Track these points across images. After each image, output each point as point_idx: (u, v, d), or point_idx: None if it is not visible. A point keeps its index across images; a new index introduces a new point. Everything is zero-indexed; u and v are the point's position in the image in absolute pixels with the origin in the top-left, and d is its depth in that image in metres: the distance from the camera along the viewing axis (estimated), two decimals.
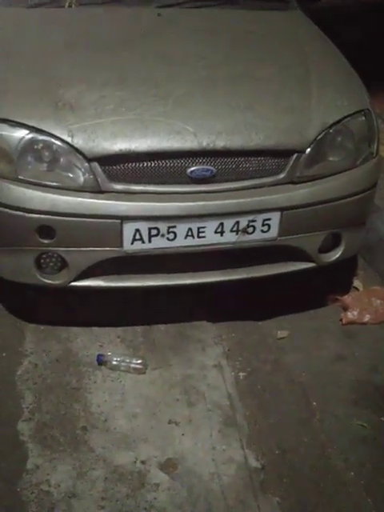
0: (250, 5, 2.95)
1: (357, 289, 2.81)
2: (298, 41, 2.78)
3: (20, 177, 2.14)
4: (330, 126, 2.31)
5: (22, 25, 2.71)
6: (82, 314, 2.53)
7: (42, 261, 2.25)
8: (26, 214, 2.13)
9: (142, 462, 1.96)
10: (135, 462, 1.96)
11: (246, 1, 2.96)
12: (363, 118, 2.40)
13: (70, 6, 2.79)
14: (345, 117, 2.34)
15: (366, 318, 2.61)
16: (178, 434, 2.06)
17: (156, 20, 2.73)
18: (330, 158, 2.35)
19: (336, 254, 2.48)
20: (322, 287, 2.73)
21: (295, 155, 2.26)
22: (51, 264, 2.26)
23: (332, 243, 2.47)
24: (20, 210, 2.13)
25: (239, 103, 2.28)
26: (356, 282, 2.84)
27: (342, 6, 4.53)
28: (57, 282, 2.27)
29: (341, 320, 2.61)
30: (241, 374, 2.32)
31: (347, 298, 2.70)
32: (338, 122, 2.33)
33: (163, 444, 2.02)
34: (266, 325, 2.57)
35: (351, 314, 2.61)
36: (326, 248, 2.46)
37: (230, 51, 2.60)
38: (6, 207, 2.14)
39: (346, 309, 2.65)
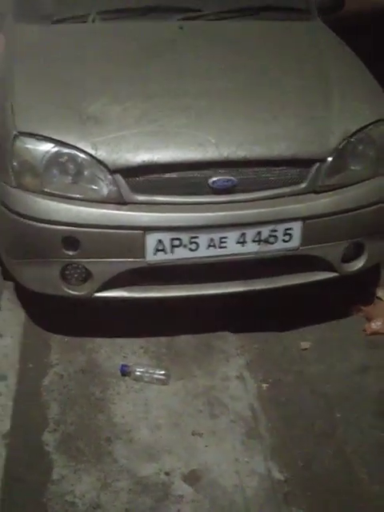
0: (270, 16, 2.95)
1: (380, 299, 2.77)
2: (319, 51, 2.79)
3: (45, 189, 2.18)
4: (352, 135, 2.31)
5: (45, 40, 2.74)
6: (106, 325, 2.54)
7: (67, 272, 2.28)
8: (52, 226, 2.16)
9: (166, 474, 1.96)
10: (159, 473, 1.96)
11: (267, 12, 2.96)
12: None
13: (93, 21, 2.83)
14: (366, 125, 2.34)
15: None
16: (201, 445, 2.06)
17: (178, 33, 2.76)
18: (352, 167, 2.35)
19: (359, 264, 2.47)
20: (344, 297, 2.71)
21: (317, 164, 2.26)
22: (76, 275, 2.29)
23: (355, 252, 2.45)
24: (45, 222, 2.17)
25: (260, 114, 2.30)
26: (379, 292, 2.80)
27: (363, 16, 4.53)
28: (81, 293, 2.30)
29: (364, 330, 2.58)
30: (263, 385, 2.31)
31: (371, 309, 2.67)
32: (360, 130, 2.33)
33: (187, 455, 2.02)
34: (289, 335, 2.56)
35: (375, 325, 2.58)
36: (349, 257, 2.45)
37: (251, 62, 2.61)
38: (32, 219, 2.18)
39: (369, 319, 2.62)
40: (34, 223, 2.19)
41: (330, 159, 2.26)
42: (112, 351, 2.45)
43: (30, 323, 2.59)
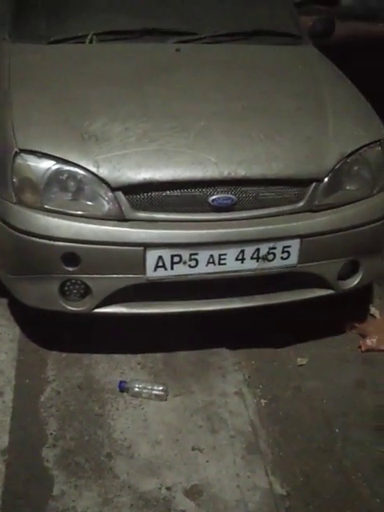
0: (265, 40, 3.03)
1: (374, 316, 2.83)
2: (313, 74, 2.86)
3: (45, 206, 2.20)
4: (348, 156, 2.37)
5: (42, 60, 2.77)
6: (102, 341, 2.55)
7: (66, 288, 2.28)
8: (52, 242, 2.17)
9: (168, 489, 1.96)
10: (160, 488, 1.96)
11: (261, 36, 3.04)
12: (379, 147, 2.46)
13: (90, 42, 2.88)
14: (362, 147, 2.40)
15: None
16: (202, 460, 2.06)
17: (175, 55, 2.82)
18: (348, 187, 2.41)
19: (354, 281, 2.51)
20: (338, 314, 2.75)
21: (314, 184, 2.31)
22: (75, 291, 2.29)
23: (350, 270, 2.50)
24: (46, 238, 2.18)
25: (258, 134, 2.34)
26: (372, 310, 2.86)
27: (353, 41, 4.67)
28: (80, 309, 2.30)
29: (359, 347, 2.62)
30: (262, 400, 2.33)
31: (365, 325, 2.72)
32: (355, 152, 2.39)
33: (188, 471, 2.02)
34: (285, 352, 2.59)
35: (370, 341, 2.62)
36: (345, 275, 2.49)
37: (247, 84, 2.67)
38: (32, 235, 2.19)
39: (363, 336, 2.66)
40: (35, 239, 2.20)
41: (326, 179, 2.32)
42: (109, 367, 2.45)
43: (25, 339, 2.58)
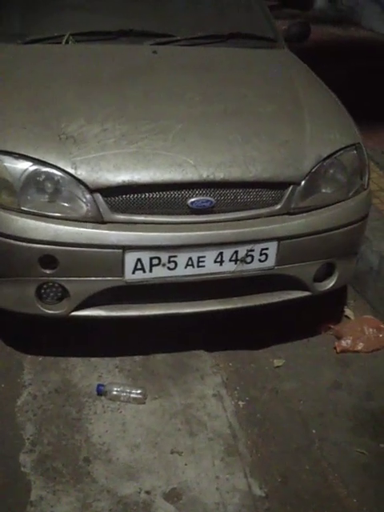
0: (241, 44, 3.05)
1: (348, 318, 2.86)
2: (289, 78, 2.89)
3: (23, 208, 2.17)
4: (324, 159, 2.39)
5: (18, 60, 2.75)
6: (79, 344, 2.53)
7: (43, 291, 2.26)
8: (29, 245, 2.15)
9: (147, 493, 1.95)
10: (139, 492, 1.95)
11: (238, 40, 3.06)
12: (355, 151, 2.49)
13: (66, 43, 2.86)
14: (338, 150, 2.43)
15: (360, 346, 2.65)
16: (181, 463, 2.06)
17: (152, 57, 2.81)
18: (324, 190, 2.43)
19: (330, 283, 2.55)
20: (314, 316, 2.78)
21: (291, 187, 2.33)
22: (52, 294, 2.27)
23: (326, 272, 2.53)
24: (23, 241, 2.15)
25: (237, 137, 2.35)
26: (347, 311, 2.90)
27: (328, 46, 4.73)
28: (58, 312, 2.28)
29: (334, 348, 2.66)
30: (240, 402, 2.34)
31: (340, 327, 2.75)
32: (331, 155, 2.42)
33: (167, 474, 2.02)
34: (262, 353, 2.60)
35: (345, 343, 2.65)
36: (321, 277, 2.52)
37: (224, 87, 2.68)
38: (8, 238, 2.16)
39: (339, 337, 2.70)
40: (11, 241, 2.17)
41: (303, 182, 2.34)
42: (86, 370, 2.43)
43: (1, 343, 2.54)
